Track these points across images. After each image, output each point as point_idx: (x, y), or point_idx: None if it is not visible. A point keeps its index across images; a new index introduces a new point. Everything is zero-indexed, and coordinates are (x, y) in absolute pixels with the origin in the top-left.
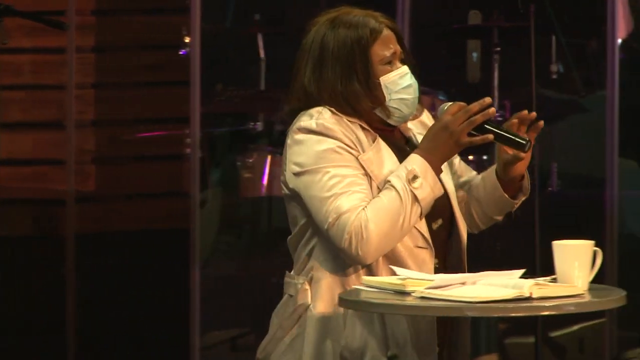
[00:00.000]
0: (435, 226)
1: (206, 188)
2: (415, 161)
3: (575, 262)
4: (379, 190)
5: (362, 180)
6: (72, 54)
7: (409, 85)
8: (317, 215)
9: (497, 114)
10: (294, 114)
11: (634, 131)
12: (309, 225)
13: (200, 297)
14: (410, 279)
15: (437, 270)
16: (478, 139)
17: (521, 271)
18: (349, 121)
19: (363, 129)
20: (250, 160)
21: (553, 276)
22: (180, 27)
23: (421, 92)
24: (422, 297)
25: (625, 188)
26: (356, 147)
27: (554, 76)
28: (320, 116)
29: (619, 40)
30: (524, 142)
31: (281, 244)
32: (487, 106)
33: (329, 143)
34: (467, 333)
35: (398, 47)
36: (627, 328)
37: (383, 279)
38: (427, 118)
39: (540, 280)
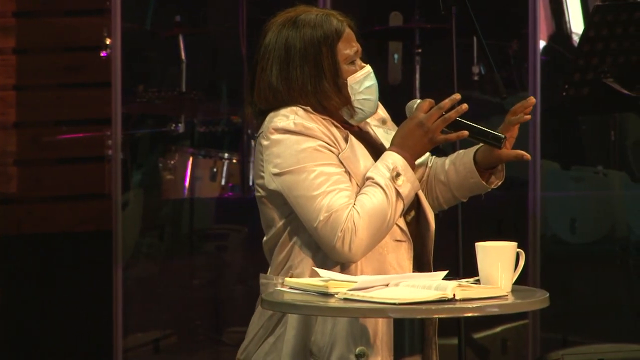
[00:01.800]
0: (408, 218)
1: (128, 190)
2: (394, 158)
3: (498, 263)
4: (358, 187)
5: (345, 178)
6: None
7: (372, 85)
8: (305, 214)
9: None
10: (263, 114)
11: (556, 133)
12: (288, 226)
13: (122, 299)
14: (333, 281)
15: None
16: (453, 135)
17: (444, 272)
18: (323, 119)
19: (335, 126)
20: (172, 162)
21: (476, 277)
22: (101, 29)
23: None
24: (345, 299)
25: (548, 189)
26: (334, 144)
27: (476, 78)
28: (296, 116)
29: (541, 42)
30: (500, 136)
31: (203, 246)
32: (458, 103)
33: (310, 142)
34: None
35: (359, 45)
36: (550, 330)
37: (306, 281)
38: (381, 111)
39: (464, 281)
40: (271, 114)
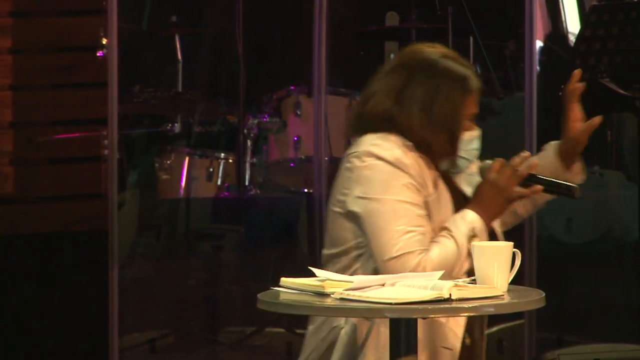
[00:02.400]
0: None
1: (124, 189)
2: (474, 219)
3: (495, 263)
4: (434, 233)
5: (426, 222)
6: None
7: (476, 149)
8: (379, 245)
9: None
10: (361, 130)
11: (552, 133)
12: (356, 250)
13: (118, 299)
14: (329, 280)
15: None
16: (527, 191)
17: (440, 272)
18: (419, 157)
19: (428, 167)
20: (168, 162)
21: (472, 277)
22: (98, 29)
23: (339, 93)
24: (342, 299)
25: None
26: (423, 187)
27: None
28: (395, 148)
29: (537, 42)
30: (573, 186)
31: (199, 245)
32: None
33: (402, 177)
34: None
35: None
36: (546, 329)
37: (302, 281)
38: None
39: (460, 281)
40: (370, 136)
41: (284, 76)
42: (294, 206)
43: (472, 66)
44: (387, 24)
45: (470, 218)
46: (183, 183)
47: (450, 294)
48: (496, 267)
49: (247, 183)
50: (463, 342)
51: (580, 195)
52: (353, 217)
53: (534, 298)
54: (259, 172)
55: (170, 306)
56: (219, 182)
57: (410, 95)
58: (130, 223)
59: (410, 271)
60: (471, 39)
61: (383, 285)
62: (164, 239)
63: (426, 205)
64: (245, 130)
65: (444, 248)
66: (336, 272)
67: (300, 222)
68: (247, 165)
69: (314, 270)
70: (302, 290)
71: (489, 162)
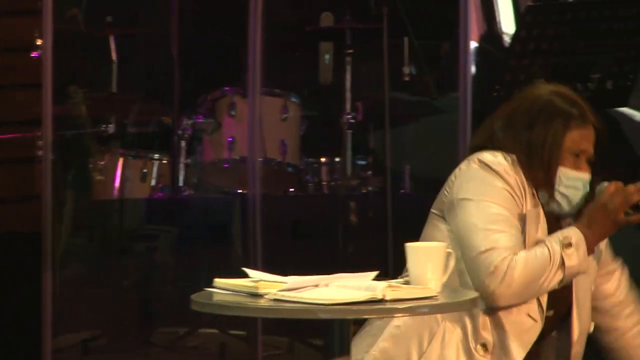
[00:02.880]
0: (550, 313)
1: (58, 191)
2: (572, 231)
3: (428, 263)
4: (527, 248)
5: (518, 231)
6: None
7: (578, 190)
8: (470, 241)
9: (349, 116)
10: (475, 150)
11: None
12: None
13: (52, 300)
14: (263, 281)
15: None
16: (635, 217)
17: (374, 273)
18: (526, 177)
19: (532, 194)
20: (102, 163)
21: (406, 278)
22: (32, 29)
23: (274, 94)
24: (276, 300)
25: None
26: (522, 199)
27: (407, 78)
28: (500, 156)
29: (472, 43)
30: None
31: (133, 246)
32: None
33: (502, 183)
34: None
35: (591, 149)
36: None
37: (235, 281)
38: None
39: (394, 282)
40: (483, 150)
41: (218, 77)
42: (228, 207)
43: (584, 105)
44: (321, 24)
45: (567, 231)
46: (117, 184)
47: (384, 295)
48: (430, 267)
49: (181, 184)
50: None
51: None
52: (449, 217)
53: (467, 298)
54: (193, 173)
55: (104, 307)
56: (153, 183)
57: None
58: (64, 224)
59: (495, 266)
60: (406, 39)
61: (317, 286)
62: (98, 239)
63: (521, 218)
64: (180, 131)
65: (533, 253)
66: None
67: (234, 223)
68: (182, 166)
69: (248, 271)
70: (235, 291)
71: (605, 183)
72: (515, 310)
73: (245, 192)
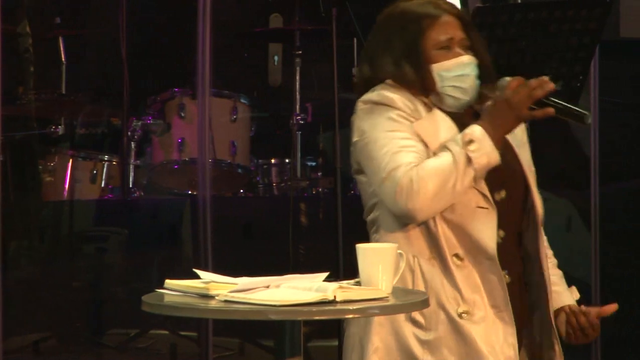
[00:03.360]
0: (498, 197)
1: (7, 192)
2: (472, 128)
3: (379, 265)
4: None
5: (416, 143)
6: None
7: (463, 75)
8: (373, 175)
9: (299, 117)
10: (360, 94)
11: None
12: (372, 197)
13: (2, 301)
14: (214, 282)
15: (503, 242)
16: (539, 112)
17: (325, 274)
18: (410, 93)
19: (424, 104)
20: (52, 164)
21: (357, 279)
22: None
23: (223, 96)
24: (226, 301)
25: None
26: (414, 114)
27: (356, 79)
28: (378, 89)
29: None
30: (585, 113)
31: (83, 247)
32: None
33: (389, 111)
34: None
35: (459, 34)
36: None
37: (186, 283)
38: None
39: (344, 283)
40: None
41: (167, 78)
42: (178, 208)
43: (435, 1)
44: (271, 25)
45: (468, 129)
46: (67, 185)
47: (335, 296)
48: (381, 268)
49: (131, 185)
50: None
51: (590, 122)
52: (360, 166)
53: (418, 299)
54: (143, 174)
55: (54, 308)
56: (102, 184)
57: (373, 49)
58: (13, 225)
59: (401, 184)
60: (355, 40)
61: (268, 287)
62: (48, 241)
63: (418, 131)
64: (129, 132)
65: (434, 159)
66: (369, 230)
67: (184, 224)
68: (131, 167)
69: (199, 272)
70: (186, 293)
71: (507, 78)
72: (463, 210)
73: (195, 193)
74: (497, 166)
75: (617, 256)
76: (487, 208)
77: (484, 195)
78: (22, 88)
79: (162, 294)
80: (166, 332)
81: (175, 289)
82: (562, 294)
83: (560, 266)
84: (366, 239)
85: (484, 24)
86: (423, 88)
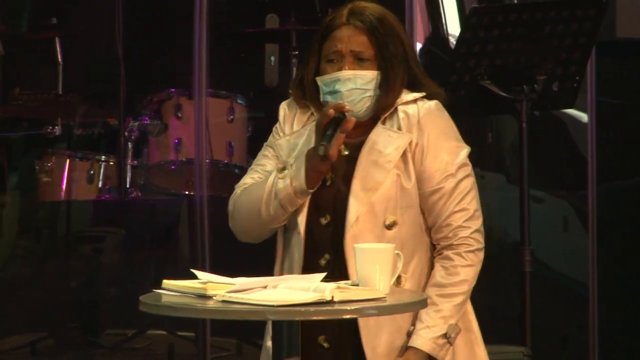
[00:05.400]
0: (324, 221)
1: (4, 192)
2: (295, 155)
3: (377, 265)
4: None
5: (268, 161)
6: None
7: (335, 91)
8: None
9: None
10: None
11: None
12: None
13: None
14: (211, 283)
15: (328, 265)
16: (327, 149)
17: (322, 274)
18: (305, 105)
19: (311, 114)
20: (49, 164)
21: (355, 280)
22: None
23: (220, 96)
24: (224, 301)
25: None
26: (287, 127)
27: None
28: (283, 103)
29: (418, 44)
30: (323, 146)
31: (79, 248)
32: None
33: (277, 123)
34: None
35: (354, 46)
36: None
37: (183, 283)
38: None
39: (342, 283)
40: None
41: (164, 78)
42: (174, 209)
43: (342, 9)
44: (267, 26)
45: (294, 153)
46: (64, 185)
47: (332, 296)
48: (378, 269)
49: (128, 185)
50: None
51: (324, 153)
52: None
53: (416, 300)
54: (140, 175)
55: (50, 309)
56: (100, 185)
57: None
58: (10, 226)
59: (229, 208)
60: None
61: (265, 287)
62: (45, 241)
63: (276, 148)
64: (126, 133)
65: (257, 184)
66: None
67: (181, 225)
68: (128, 168)
69: (196, 272)
70: (184, 293)
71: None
72: (290, 233)
73: (192, 193)
74: (324, 191)
75: (614, 256)
76: (298, 237)
77: (298, 223)
78: (18, 89)
79: (160, 294)
80: (164, 332)
81: (173, 289)
82: (417, 332)
83: (557, 266)
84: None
85: (480, 24)
86: (311, 98)
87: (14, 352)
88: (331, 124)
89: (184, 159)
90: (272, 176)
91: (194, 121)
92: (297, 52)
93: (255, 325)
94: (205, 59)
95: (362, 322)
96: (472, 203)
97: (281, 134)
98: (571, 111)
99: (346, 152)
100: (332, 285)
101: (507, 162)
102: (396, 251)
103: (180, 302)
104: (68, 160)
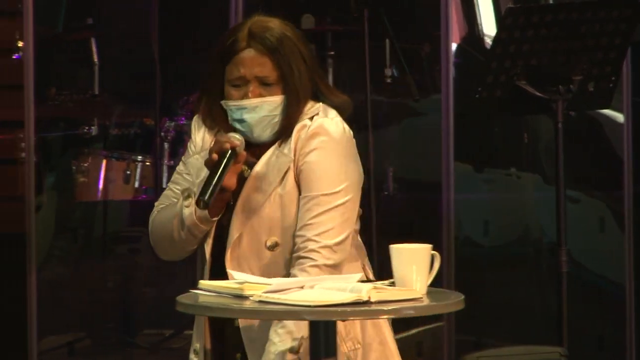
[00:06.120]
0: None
1: (41, 192)
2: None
3: (413, 265)
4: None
5: (182, 180)
6: None
7: (241, 119)
8: None
9: None
10: None
11: (469, 135)
12: None
13: (36, 302)
14: (248, 283)
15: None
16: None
17: (359, 275)
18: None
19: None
20: (85, 165)
21: (391, 280)
22: (13, 32)
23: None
24: (260, 301)
25: (460, 192)
26: (198, 148)
27: (388, 80)
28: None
29: (453, 45)
30: (203, 198)
31: (116, 248)
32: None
33: (190, 140)
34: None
35: (255, 72)
36: (464, 332)
37: (220, 283)
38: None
39: (379, 284)
40: None
41: (198, 78)
42: None
43: (243, 30)
44: (302, 26)
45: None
46: (100, 186)
47: (369, 297)
48: (415, 269)
49: (164, 185)
50: None
51: (204, 208)
52: None
53: (453, 300)
54: None
55: (87, 309)
56: (136, 185)
57: None
58: (47, 226)
59: (150, 219)
60: (387, 41)
61: (302, 287)
62: (81, 241)
63: (188, 167)
64: (162, 133)
65: (169, 207)
66: None
67: None
68: (165, 168)
69: (232, 272)
70: (220, 293)
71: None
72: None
73: None
74: (227, 213)
75: None
76: (205, 257)
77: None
78: (54, 89)
79: (197, 294)
80: None
81: (210, 290)
82: (267, 349)
83: (593, 267)
84: (400, 239)
85: (516, 24)
86: (219, 120)
87: (52, 353)
88: (222, 159)
89: None
90: (179, 202)
91: None
92: (332, 52)
93: None
94: None
95: (246, 339)
96: (334, 219)
97: (194, 149)
98: (607, 111)
99: (249, 172)
100: (369, 285)
101: (542, 162)
102: (432, 251)
103: (216, 302)
104: (104, 161)
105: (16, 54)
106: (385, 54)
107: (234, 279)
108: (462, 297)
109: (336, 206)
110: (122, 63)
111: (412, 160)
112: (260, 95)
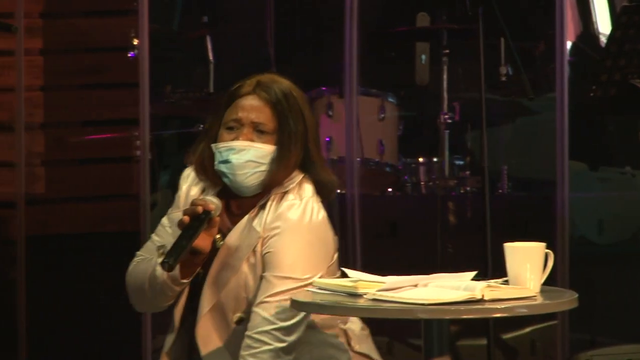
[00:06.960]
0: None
1: (155, 190)
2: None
3: (527, 264)
4: None
5: (163, 233)
6: (21, 56)
7: (227, 161)
8: None
9: (446, 116)
10: None
11: (583, 134)
12: None
13: None
14: (362, 281)
15: None
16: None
17: (473, 273)
18: (204, 179)
19: (214, 185)
20: None
21: (505, 278)
22: (129, 30)
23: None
24: (374, 299)
25: (575, 190)
26: (186, 200)
27: (503, 78)
28: (183, 177)
29: (568, 43)
30: (168, 260)
31: None
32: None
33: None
34: None
35: (255, 116)
36: (579, 330)
37: (334, 281)
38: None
39: (492, 282)
40: None
41: (315, 77)
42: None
43: (247, 80)
44: (418, 24)
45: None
46: None
47: (483, 295)
48: (529, 267)
49: None
50: None
51: (168, 270)
52: None
53: (566, 299)
54: None
55: None
56: None
57: None
58: None
59: (128, 270)
60: (502, 39)
61: (416, 286)
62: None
63: (168, 222)
64: None
65: (145, 261)
66: None
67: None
68: None
69: (347, 271)
70: (335, 291)
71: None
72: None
73: (343, 192)
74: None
75: None
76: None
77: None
78: (169, 86)
79: (311, 292)
80: None
81: (324, 288)
82: None
83: None
84: (514, 238)
85: (630, 23)
86: (208, 167)
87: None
88: (194, 222)
89: (335, 157)
90: (154, 260)
91: (345, 119)
92: (448, 51)
93: (407, 324)
94: (355, 57)
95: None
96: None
97: (178, 203)
98: None
99: (221, 243)
100: (482, 283)
101: None
102: (546, 250)
103: (330, 300)
104: None
105: (131, 52)
106: (500, 52)
107: (348, 277)
108: (576, 295)
109: (293, 289)
110: (237, 61)
111: (526, 159)
112: (252, 141)
